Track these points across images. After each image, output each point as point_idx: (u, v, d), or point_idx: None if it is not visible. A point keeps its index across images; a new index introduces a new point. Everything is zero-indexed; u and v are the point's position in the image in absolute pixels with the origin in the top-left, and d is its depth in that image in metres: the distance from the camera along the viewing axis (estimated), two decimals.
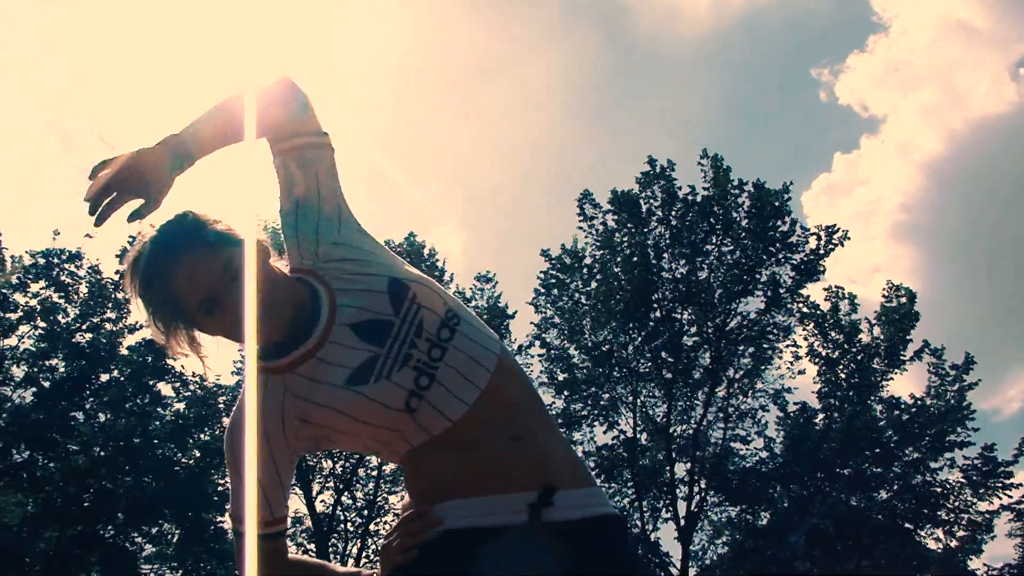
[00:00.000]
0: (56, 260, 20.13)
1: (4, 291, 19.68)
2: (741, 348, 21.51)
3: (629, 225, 21.32)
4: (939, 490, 21.63)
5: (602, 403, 21.53)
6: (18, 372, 20.83)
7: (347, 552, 21.95)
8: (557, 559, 1.38)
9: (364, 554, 21.65)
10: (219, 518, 21.04)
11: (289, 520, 1.54)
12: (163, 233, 1.45)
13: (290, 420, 1.46)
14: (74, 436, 20.80)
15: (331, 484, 21.74)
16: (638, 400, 21.48)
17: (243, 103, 1.52)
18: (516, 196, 53.45)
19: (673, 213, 21.38)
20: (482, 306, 21.46)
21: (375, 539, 21.87)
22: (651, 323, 21.09)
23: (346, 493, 21.84)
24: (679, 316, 21.30)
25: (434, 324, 1.46)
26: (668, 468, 21.44)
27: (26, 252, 20.04)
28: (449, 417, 1.42)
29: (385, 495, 22.34)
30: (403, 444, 1.45)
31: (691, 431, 21.45)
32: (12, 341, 20.44)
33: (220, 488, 20.57)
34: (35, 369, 20.76)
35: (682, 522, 21.30)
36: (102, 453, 20.90)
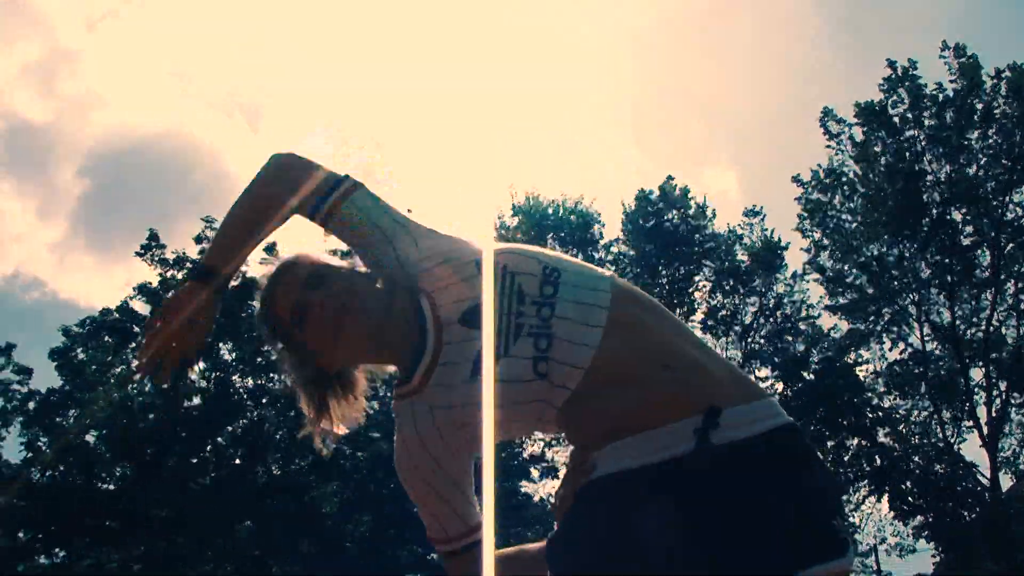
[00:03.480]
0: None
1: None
2: None
3: (881, 133, 20.78)
4: None
5: (885, 319, 21.04)
6: None
7: None
8: (728, 483, 1.29)
9: None
10: (521, 484, 22.12)
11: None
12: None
13: (447, 431, 1.47)
14: (376, 423, 22.15)
15: None
16: (922, 309, 20.87)
17: (250, 202, 1.57)
18: (781, 124, 51.97)
19: (925, 114, 20.70)
20: (752, 243, 21.35)
21: None
22: (924, 229, 20.45)
23: None
24: (951, 217, 20.57)
25: (534, 285, 1.44)
26: (963, 375, 20.71)
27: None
28: (579, 366, 1.38)
29: None
30: (551, 410, 1.42)
31: (982, 334, 20.64)
32: None
33: (524, 457, 21.73)
34: None
35: (985, 429, 20.52)
36: None
